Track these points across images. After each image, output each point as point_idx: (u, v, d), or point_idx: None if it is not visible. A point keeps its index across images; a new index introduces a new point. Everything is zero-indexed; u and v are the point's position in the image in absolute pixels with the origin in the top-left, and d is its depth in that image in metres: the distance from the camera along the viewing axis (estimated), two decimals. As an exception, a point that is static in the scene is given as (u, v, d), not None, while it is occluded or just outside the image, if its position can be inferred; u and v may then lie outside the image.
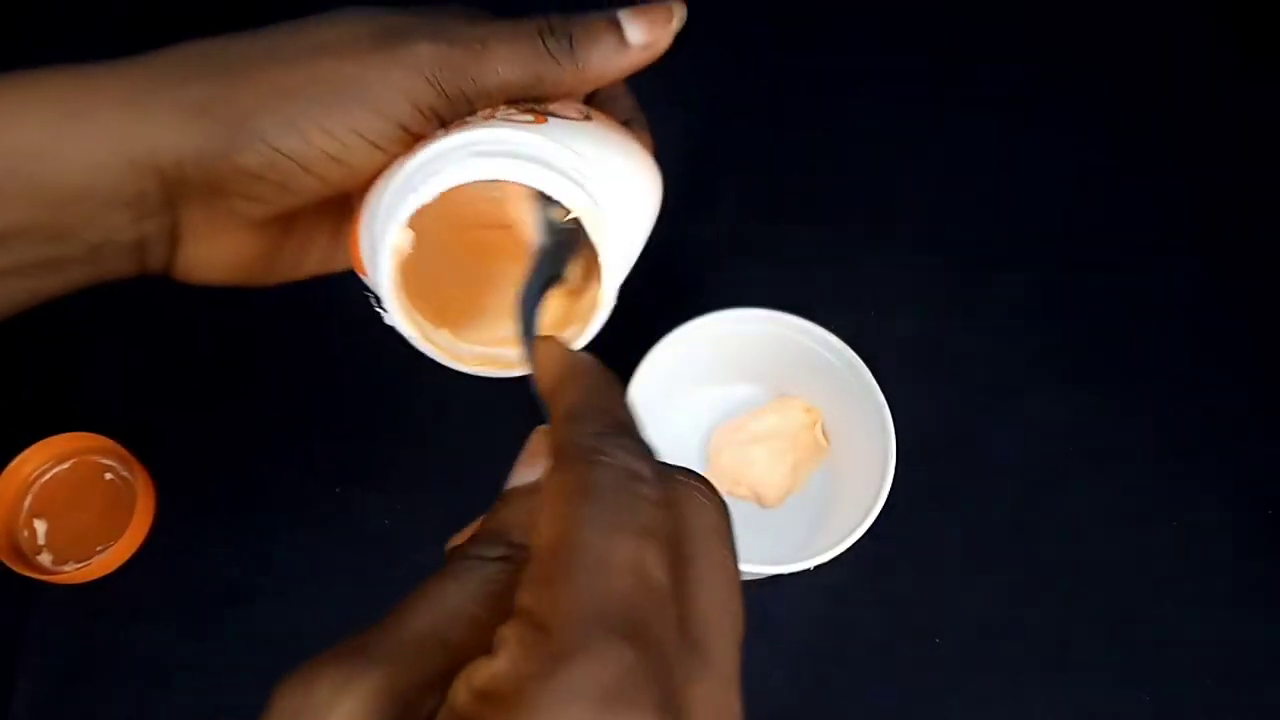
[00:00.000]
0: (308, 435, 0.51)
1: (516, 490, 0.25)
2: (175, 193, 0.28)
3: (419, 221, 0.26)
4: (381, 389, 0.53)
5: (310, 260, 0.33)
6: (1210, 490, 0.52)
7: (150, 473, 0.50)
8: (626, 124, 0.33)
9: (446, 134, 0.27)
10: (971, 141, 0.62)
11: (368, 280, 0.30)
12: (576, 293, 0.30)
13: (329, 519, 0.50)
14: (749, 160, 0.61)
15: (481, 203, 0.30)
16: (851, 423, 0.47)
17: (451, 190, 0.26)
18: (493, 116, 0.28)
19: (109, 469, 0.50)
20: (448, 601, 0.21)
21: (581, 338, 0.30)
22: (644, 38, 0.29)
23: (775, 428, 0.49)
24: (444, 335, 0.30)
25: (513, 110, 0.28)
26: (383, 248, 0.26)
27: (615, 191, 0.28)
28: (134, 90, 0.27)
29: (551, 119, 0.28)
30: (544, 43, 0.28)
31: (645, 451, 0.21)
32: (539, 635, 0.16)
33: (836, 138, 0.61)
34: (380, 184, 0.28)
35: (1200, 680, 0.48)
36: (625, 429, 0.22)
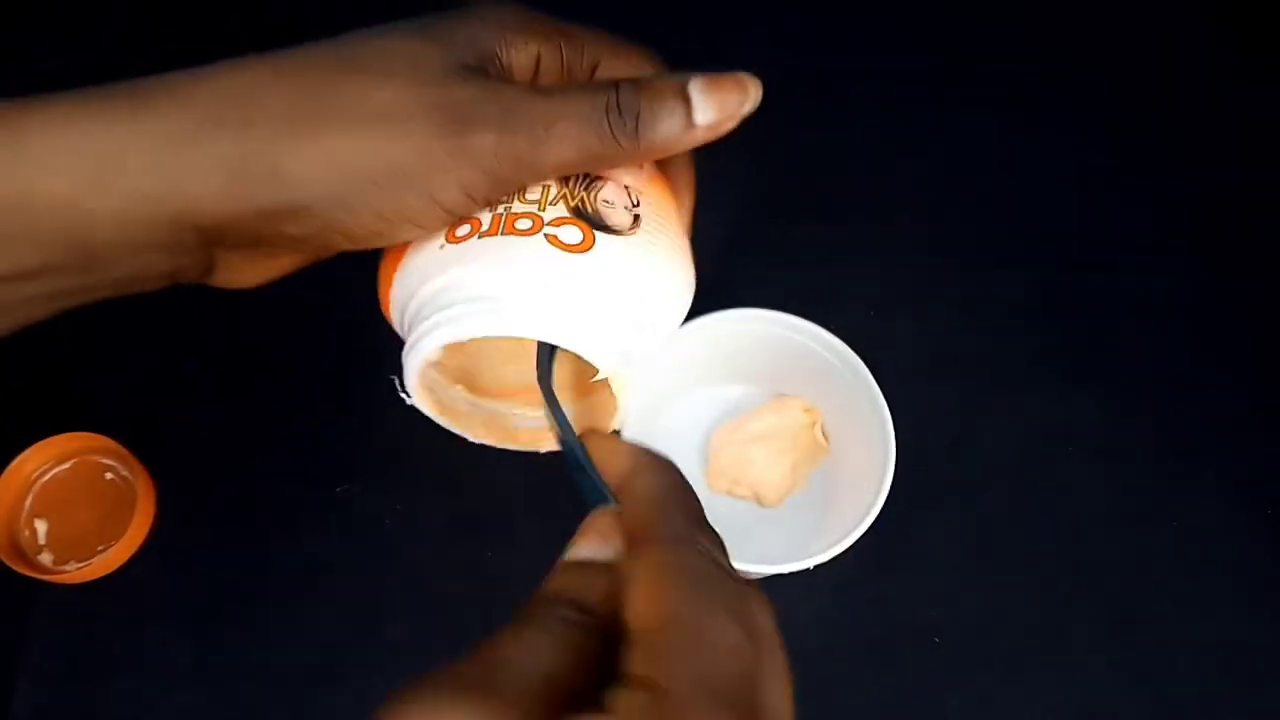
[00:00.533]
0: (308, 435, 0.51)
1: (582, 562, 0.26)
2: (213, 239, 0.27)
3: None
4: (382, 390, 0.53)
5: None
6: (1210, 490, 0.52)
7: (151, 473, 0.50)
8: (674, 178, 0.34)
9: (484, 228, 0.28)
10: (971, 141, 0.62)
11: (393, 324, 0.31)
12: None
13: (329, 519, 0.50)
14: (748, 160, 0.60)
15: None
16: (851, 423, 0.47)
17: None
18: (534, 208, 0.29)
19: (110, 469, 0.50)
20: (543, 653, 0.22)
21: (615, 422, 0.32)
22: (712, 118, 0.28)
23: (775, 427, 0.49)
24: (460, 391, 0.30)
25: (561, 202, 0.29)
26: (410, 366, 0.28)
27: (652, 319, 0.30)
28: (171, 141, 0.25)
29: (599, 237, 0.28)
30: (609, 124, 0.27)
31: (722, 547, 0.24)
32: (655, 702, 0.18)
33: (836, 137, 0.61)
34: (415, 259, 0.29)
35: (1200, 680, 0.48)
36: (705, 523, 0.24)
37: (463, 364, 0.33)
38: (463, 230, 0.29)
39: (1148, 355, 0.55)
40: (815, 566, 0.42)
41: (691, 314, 0.46)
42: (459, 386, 0.32)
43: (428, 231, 0.29)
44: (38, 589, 0.47)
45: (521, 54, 0.29)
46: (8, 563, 0.47)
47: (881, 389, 0.45)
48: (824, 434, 0.49)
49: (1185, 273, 0.58)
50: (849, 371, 0.46)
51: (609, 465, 0.27)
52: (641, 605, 0.21)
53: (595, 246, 0.28)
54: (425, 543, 0.49)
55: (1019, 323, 0.56)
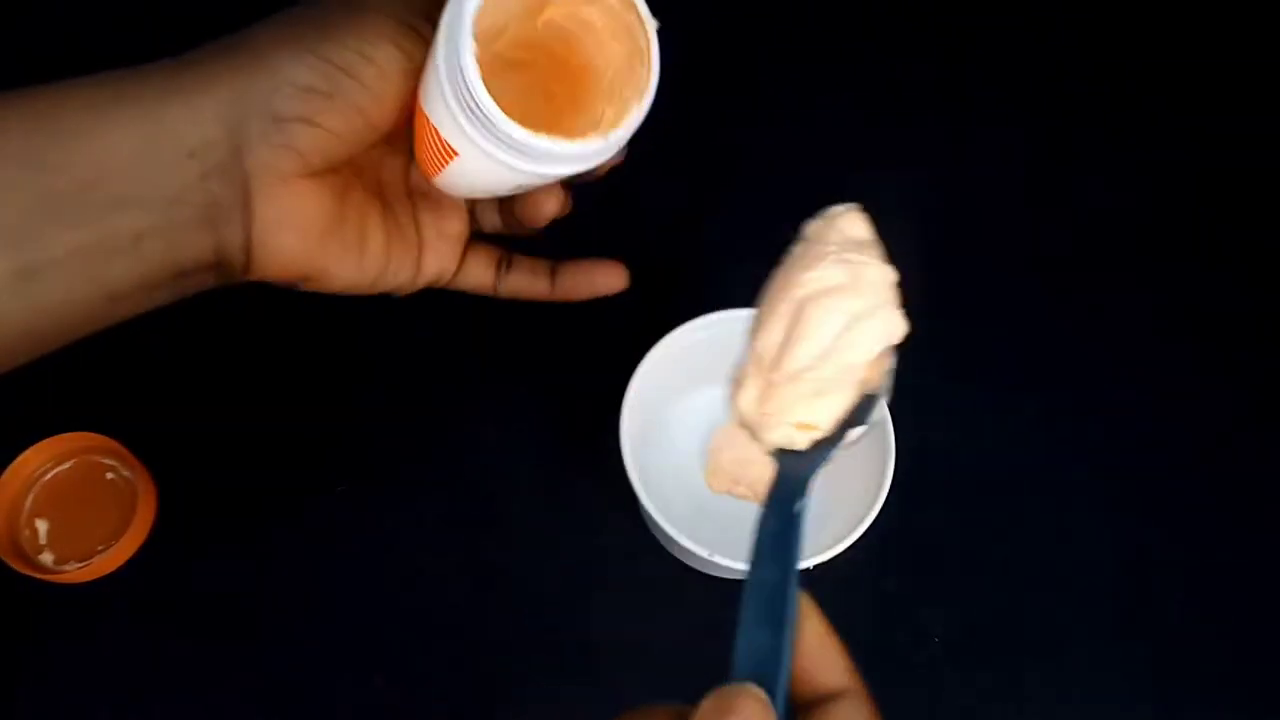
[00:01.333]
0: (308, 436, 0.51)
1: None
2: (238, 140, 0.28)
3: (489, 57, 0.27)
4: (383, 390, 0.53)
5: (371, 248, 0.33)
6: (1209, 490, 0.52)
7: (151, 473, 0.50)
8: None
9: None
10: (972, 142, 0.62)
11: (434, 180, 0.30)
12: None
13: (329, 520, 0.50)
14: (748, 160, 0.61)
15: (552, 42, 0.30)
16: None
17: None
18: None
19: (110, 469, 0.50)
20: None
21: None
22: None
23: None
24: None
25: None
26: (463, 51, 0.26)
27: None
28: (172, 78, 0.28)
29: None
30: None
31: None
32: None
33: (836, 137, 0.61)
34: (428, 68, 0.28)
35: (1200, 680, 0.48)
36: None
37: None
38: None
39: (1148, 355, 0.55)
40: (815, 566, 0.42)
41: (692, 314, 0.46)
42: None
43: (403, 52, 0.29)
44: (38, 589, 0.47)
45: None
46: (8, 563, 0.47)
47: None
48: None
49: (1185, 273, 0.58)
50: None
51: (813, 662, 0.24)
52: None
53: None
54: (425, 542, 0.49)
55: (1019, 323, 0.56)
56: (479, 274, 0.37)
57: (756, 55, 0.64)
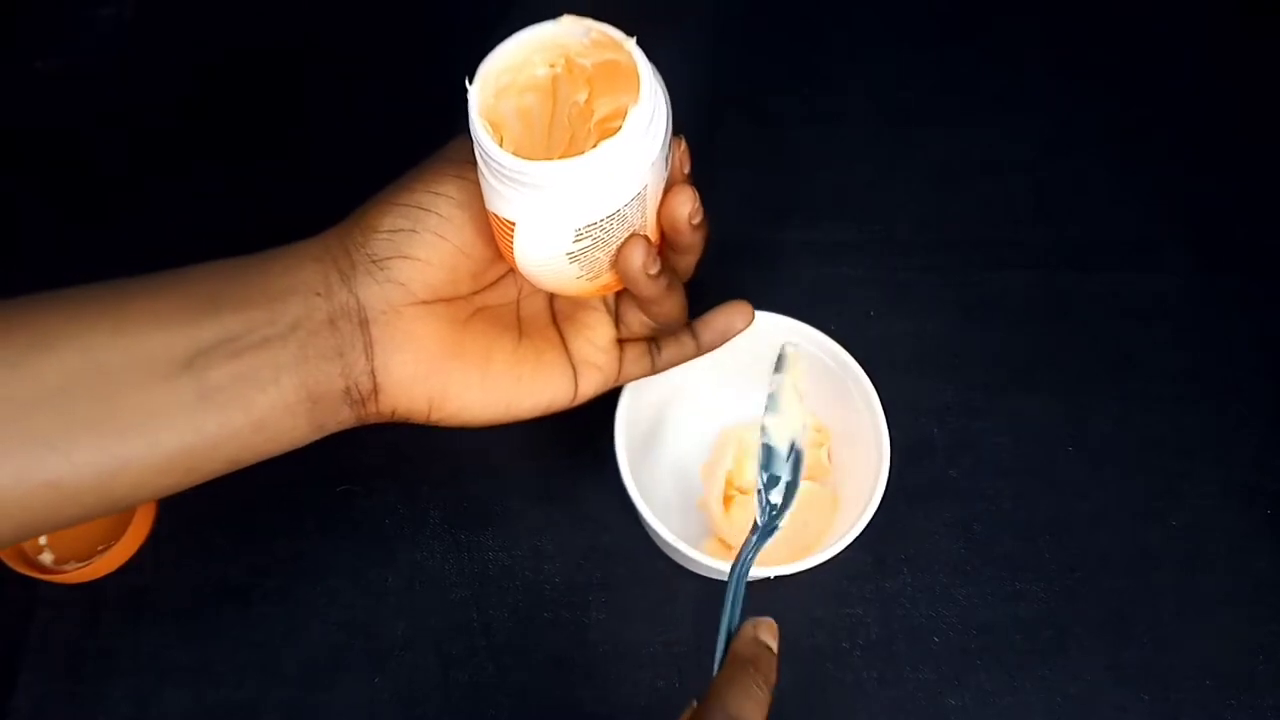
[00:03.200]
0: (308, 435, 0.51)
1: None
2: (351, 283, 0.32)
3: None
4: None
5: (495, 370, 0.35)
6: (1210, 490, 0.52)
7: (151, 473, 0.50)
8: None
9: None
10: (972, 141, 0.62)
11: (519, 268, 0.32)
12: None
13: (329, 519, 0.50)
14: (748, 161, 0.61)
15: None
16: (848, 424, 0.47)
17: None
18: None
19: (110, 469, 0.50)
20: None
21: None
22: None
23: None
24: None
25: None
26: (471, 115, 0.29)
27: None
28: (297, 244, 0.33)
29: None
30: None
31: None
32: None
33: (837, 138, 0.61)
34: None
35: (1200, 680, 0.48)
36: None
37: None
38: None
39: (1147, 355, 0.55)
40: (815, 567, 0.42)
41: (691, 315, 0.46)
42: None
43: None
44: (38, 588, 0.47)
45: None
46: (8, 563, 0.47)
47: (880, 389, 0.45)
48: (829, 458, 0.49)
49: (1184, 273, 0.58)
50: (843, 372, 0.46)
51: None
52: None
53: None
54: (425, 542, 0.49)
55: (1019, 323, 0.56)
56: (638, 367, 0.39)
57: (757, 55, 0.64)
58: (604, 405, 0.45)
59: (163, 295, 0.31)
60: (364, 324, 0.32)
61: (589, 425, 0.44)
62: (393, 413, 0.34)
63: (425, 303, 0.33)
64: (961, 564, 0.50)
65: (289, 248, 0.33)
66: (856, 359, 0.46)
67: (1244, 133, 0.63)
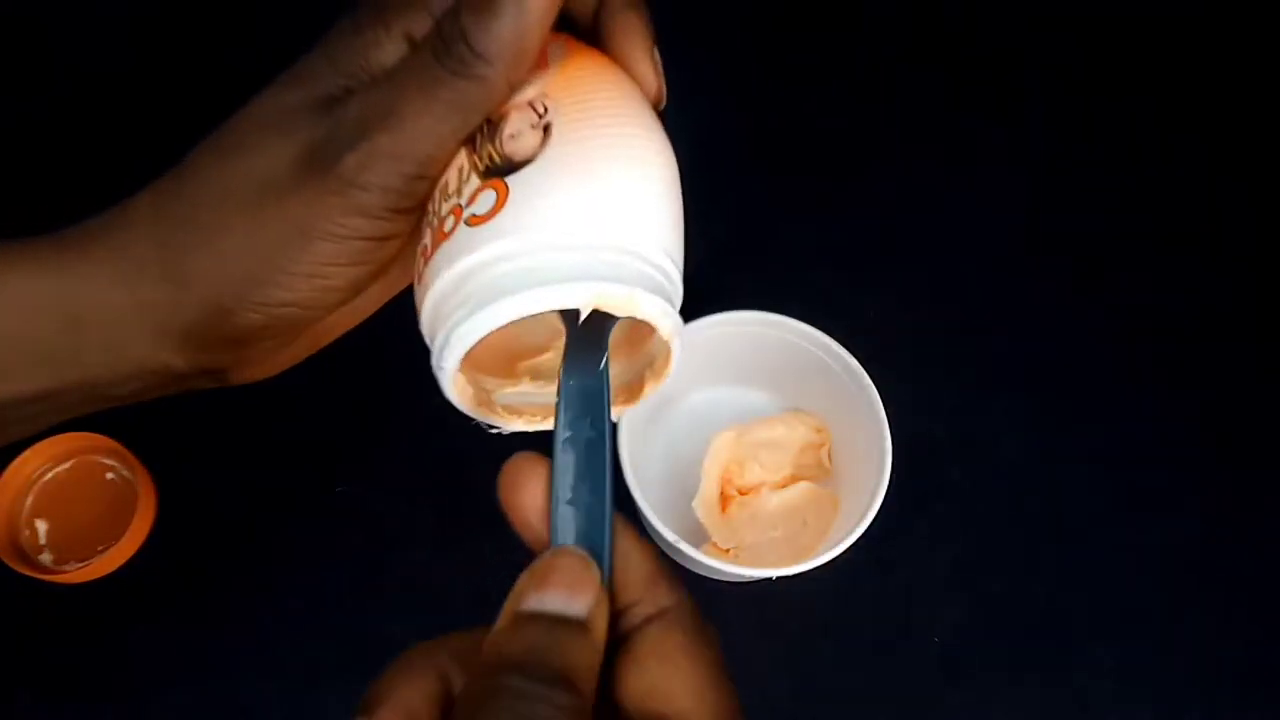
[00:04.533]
0: (308, 436, 0.51)
1: (550, 617, 0.21)
2: (197, 357, 0.28)
3: None
4: (383, 390, 0.53)
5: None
6: (1210, 490, 0.52)
7: (151, 472, 0.50)
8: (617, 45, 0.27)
9: (427, 247, 0.26)
10: (972, 142, 0.62)
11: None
12: (633, 347, 0.29)
13: (329, 519, 0.50)
14: (749, 161, 0.61)
15: None
16: (849, 425, 0.47)
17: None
18: (455, 198, 0.25)
19: (110, 469, 0.50)
20: None
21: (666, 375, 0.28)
22: None
23: (779, 439, 0.49)
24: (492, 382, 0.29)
25: (472, 172, 0.25)
26: (444, 371, 0.26)
27: (628, 219, 0.24)
28: (123, 278, 0.26)
29: (511, 183, 0.24)
30: (444, 66, 0.23)
31: None
32: None
33: (838, 138, 0.61)
34: (433, 247, 0.25)
35: (1200, 680, 0.48)
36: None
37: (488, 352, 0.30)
38: (420, 263, 0.27)
39: (1147, 356, 0.55)
40: (816, 567, 0.42)
41: (692, 315, 0.46)
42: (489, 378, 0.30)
43: (370, 265, 0.27)
44: (38, 589, 0.47)
45: (389, 46, 0.25)
46: (8, 563, 0.47)
47: (882, 389, 0.45)
48: (829, 458, 0.49)
49: (1184, 274, 0.58)
50: (845, 373, 0.46)
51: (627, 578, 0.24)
52: (689, 700, 0.20)
53: (509, 199, 0.23)
54: (425, 543, 0.49)
55: (1019, 324, 0.56)
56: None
57: (758, 55, 0.64)
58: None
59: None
60: (220, 374, 0.31)
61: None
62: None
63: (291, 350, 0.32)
64: (961, 564, 0.50)
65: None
66: (858, 359, 0.46)
67: (1248, 133, 0.63)
